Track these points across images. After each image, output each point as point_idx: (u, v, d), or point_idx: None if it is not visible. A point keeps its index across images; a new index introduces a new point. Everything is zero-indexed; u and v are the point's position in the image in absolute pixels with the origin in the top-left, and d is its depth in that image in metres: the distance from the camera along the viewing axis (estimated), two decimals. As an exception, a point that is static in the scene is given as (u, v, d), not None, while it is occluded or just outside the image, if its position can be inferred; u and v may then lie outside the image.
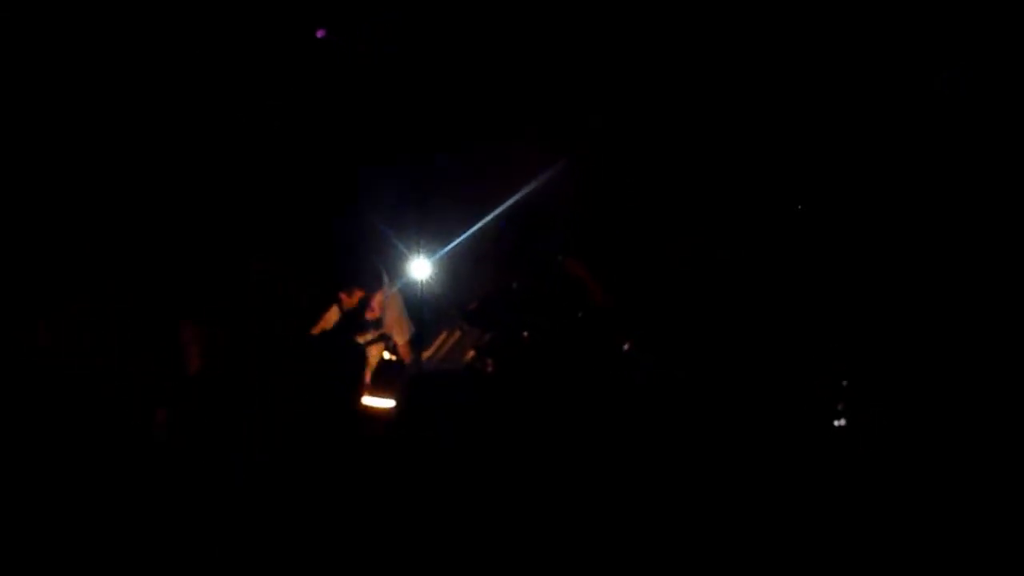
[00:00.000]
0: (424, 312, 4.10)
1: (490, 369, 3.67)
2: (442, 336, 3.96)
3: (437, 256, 4.51)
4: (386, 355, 3.96)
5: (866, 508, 3.70)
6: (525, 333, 3.62)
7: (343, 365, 3.89)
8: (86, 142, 5.08)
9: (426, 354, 3.94)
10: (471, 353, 3.84)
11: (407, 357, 4.14)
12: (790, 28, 5.24)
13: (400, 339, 4.09)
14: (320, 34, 5.11)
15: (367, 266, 4.42)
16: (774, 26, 5.25)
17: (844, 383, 4.73)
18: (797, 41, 5.24)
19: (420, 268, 4.35)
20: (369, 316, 4.25)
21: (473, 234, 4.61)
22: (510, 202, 4.69)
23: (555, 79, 5.33)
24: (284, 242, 5.17)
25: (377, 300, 4.28)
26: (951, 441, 4.09)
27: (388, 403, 3.88)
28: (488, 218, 4.66)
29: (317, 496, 3.33)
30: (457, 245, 4.57)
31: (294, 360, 4.21)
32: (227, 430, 3.89)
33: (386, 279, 4.36)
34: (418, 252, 4.42)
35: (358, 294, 4.23)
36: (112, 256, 5.05)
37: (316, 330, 4.14)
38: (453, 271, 4.62)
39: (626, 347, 4.44)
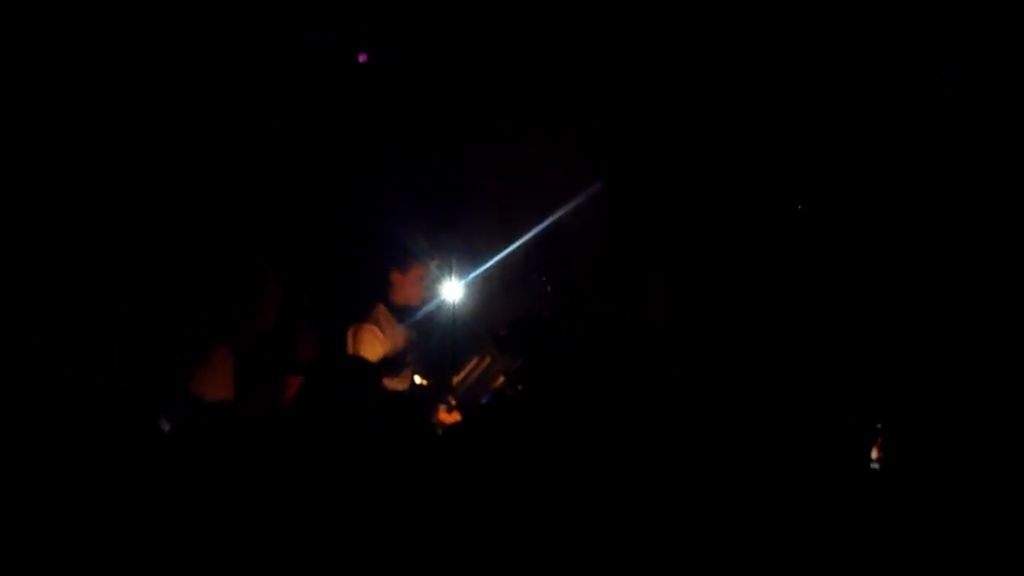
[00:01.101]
0: (456, 336, 4.06)
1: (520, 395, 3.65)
2: (472, 362, 3.93)
3: (468, 279, 4.46)
4: (417, 379, 3.92)
5: (870, 510, 3.73)
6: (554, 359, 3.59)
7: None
8: (86, 141, 4.97)
9: (456, 379, 3.90)
10: (500, 379, 3.80)
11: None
12: (789, 27, 5.23)
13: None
14: (362, 58, 5.03)
15: (408, 242, 4.34)
16: (773, 25, 5.24)
17: (845, 384, 4.74)
18: (796, 41, 5.24)
19: (451, 291, 4.30)
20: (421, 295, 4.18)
21: (505, 257, 4.57)
22: (542, 225, 4.65)
23: (565, 81, 5.29)
24: (288, 241, 5.11)
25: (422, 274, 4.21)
26: (952, 443, 4.13)
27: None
28: (520, 241, 4.62)
29: (317, 497, 3.29)
30: (489, 268, 4.53)
31: (296, 360, 4.16)
32: (227, 430, 3.85)
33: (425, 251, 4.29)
34: (449, 275, 4.37)
35: (414, 270, 4.16)
36: (112, 256, 4.95)
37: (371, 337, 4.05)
38: (484, 295, 4.59)
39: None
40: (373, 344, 4.06)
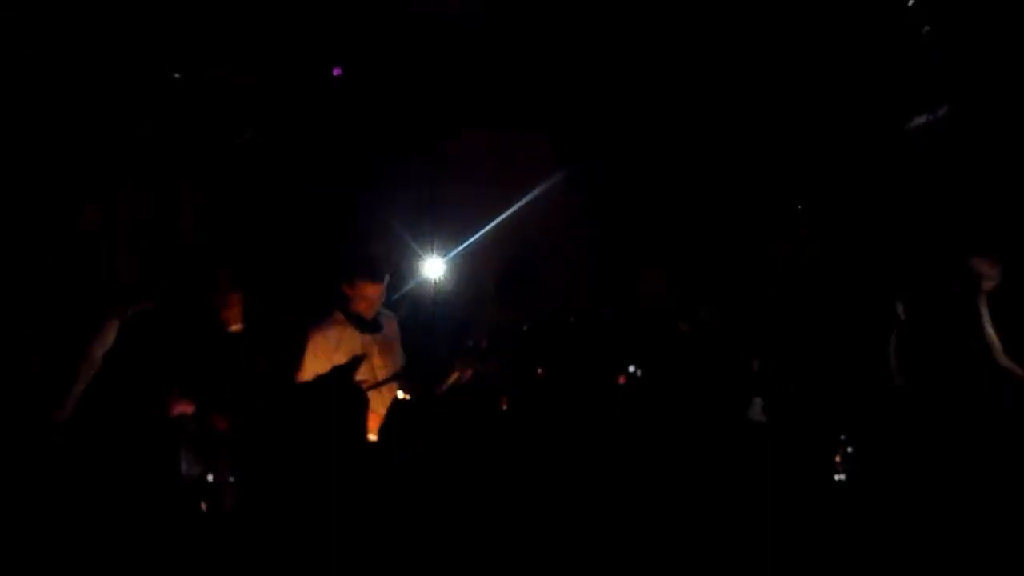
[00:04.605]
0: (437, 348, 4.04)
1: (504, 406, 3.67)
2: (455, 373, 3.93)
3: (450, 284, 4.45)
4: (400, 395, 3.90)
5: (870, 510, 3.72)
6: (539, 370, 3.61)
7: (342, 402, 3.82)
8: (79, 151, 5.02)
9: (439, 391, 3.91)
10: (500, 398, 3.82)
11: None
12: (789, 31, 5.21)
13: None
14: (336, 72, 5.04)
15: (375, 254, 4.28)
16: (772, 29, 5.22)
17: (844, 385, 4.74)
18: (796, 43, 5.21)
19: (432, 297, 4.29)
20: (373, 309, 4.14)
21: (488, 266, 4.55)
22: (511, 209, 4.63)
23: (559, 82, 5.30)
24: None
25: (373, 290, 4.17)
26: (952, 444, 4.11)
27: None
28: (489, 226, 4.60)
29: (317, 505, 3.31)
30: (472, 277, 4.50)
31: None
32: (227, 437, 3.88)
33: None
34: (431, 273, 4.36)
35: (363, 286, 4.11)
36: (106, 262, 5.01)
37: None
38: (466, 304, 4.59)
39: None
40: (318, 353, 4.03)
